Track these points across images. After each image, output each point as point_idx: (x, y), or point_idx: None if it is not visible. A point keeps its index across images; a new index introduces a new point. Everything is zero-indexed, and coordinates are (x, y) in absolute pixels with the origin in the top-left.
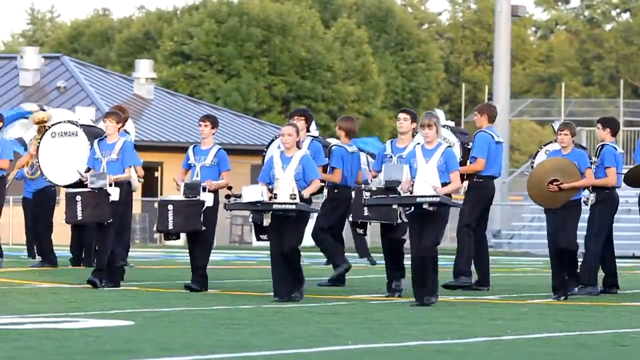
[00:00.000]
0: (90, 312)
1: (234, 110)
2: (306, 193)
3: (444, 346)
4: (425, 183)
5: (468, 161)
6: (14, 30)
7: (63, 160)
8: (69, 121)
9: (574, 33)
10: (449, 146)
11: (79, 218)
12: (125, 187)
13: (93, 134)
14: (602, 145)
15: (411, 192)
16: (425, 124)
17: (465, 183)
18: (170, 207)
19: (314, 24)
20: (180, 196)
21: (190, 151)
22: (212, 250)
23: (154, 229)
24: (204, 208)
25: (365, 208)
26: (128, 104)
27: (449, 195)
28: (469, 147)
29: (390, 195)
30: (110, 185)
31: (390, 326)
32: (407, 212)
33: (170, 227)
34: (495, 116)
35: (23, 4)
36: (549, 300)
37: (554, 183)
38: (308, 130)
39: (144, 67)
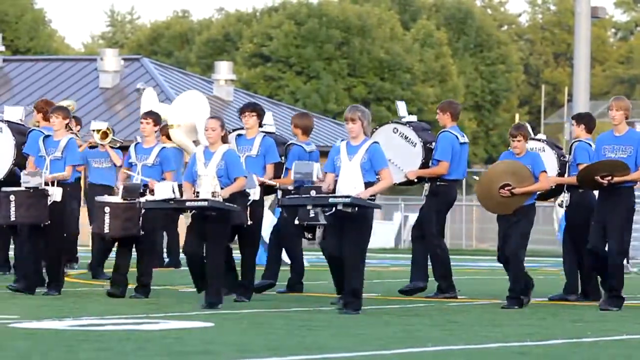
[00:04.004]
0: (170, 313)
1: (313, 112)
2: (225, 192)
3: (524, 348)
4: (348, 183)
5: (430, 163)
6: (94, 32)
7: None
8: None
9: None
10: (376, 142)
11: (12, 219)
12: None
13: (18, 130)
14: (575, 142)
15: (333, 192)
16: (348, 118)
17: (427, 186)
18: (107, 209)
19: (393, 25)
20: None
21: (131, 149)
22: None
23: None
24: (143, 212)
25: (311, 210)
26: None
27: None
28: (432, 146)
29: (303, 195)
30: (53, 184)
31: (470, 328)
32: (326, 214)
33: (106, 230)
34: (459, 113)
35: (103, 5)
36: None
37: (506, 188)
38: (260, 126)
39: (224, 69)
